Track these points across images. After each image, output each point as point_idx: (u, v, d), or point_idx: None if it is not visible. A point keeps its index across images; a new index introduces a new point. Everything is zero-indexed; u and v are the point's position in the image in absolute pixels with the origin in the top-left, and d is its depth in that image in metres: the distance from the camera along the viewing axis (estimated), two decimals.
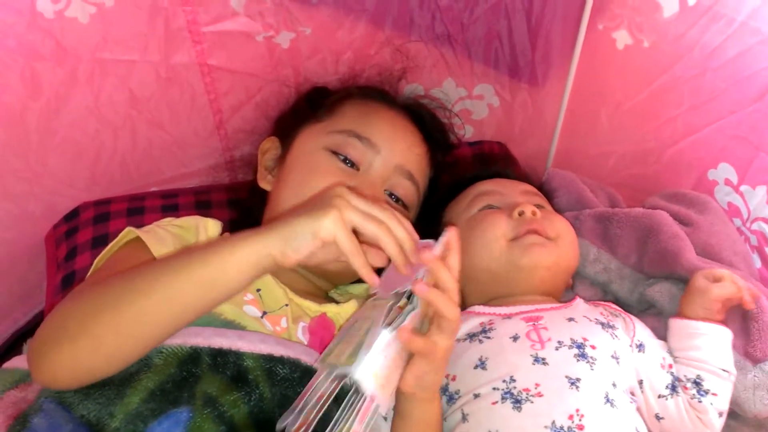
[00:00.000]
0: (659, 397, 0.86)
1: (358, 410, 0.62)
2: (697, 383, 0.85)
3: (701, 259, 0.98)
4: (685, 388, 0.85)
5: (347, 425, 0.62)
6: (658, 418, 0.86)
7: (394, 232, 0.65)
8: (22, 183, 1.08)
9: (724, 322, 0.88)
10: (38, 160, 1.07)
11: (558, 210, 1.11)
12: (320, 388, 0.65)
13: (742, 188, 1.07)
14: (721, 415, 0.85)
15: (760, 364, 0.89)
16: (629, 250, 1.04)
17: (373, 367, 0.61)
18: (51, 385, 0.68)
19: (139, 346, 0.67)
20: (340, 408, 0.63)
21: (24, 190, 1.09)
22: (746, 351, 0.90)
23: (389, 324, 0.64)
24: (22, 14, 0.93)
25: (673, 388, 0.86)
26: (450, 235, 0.68)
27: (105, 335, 0.65)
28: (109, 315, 0.65)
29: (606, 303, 0.95)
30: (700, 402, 0.84)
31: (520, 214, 0.92)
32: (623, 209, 1.09)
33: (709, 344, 0.86)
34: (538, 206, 0.95)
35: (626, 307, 1.04)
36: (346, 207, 0.64)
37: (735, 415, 0.95)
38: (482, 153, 1.31)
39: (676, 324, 0.90)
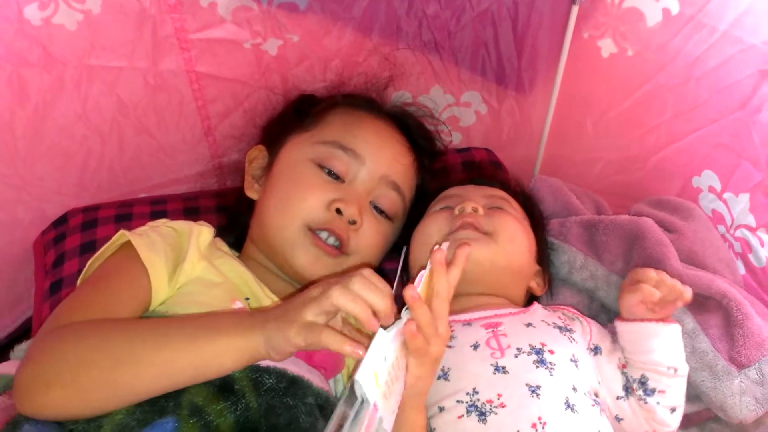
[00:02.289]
0: (617, 398, 0.85)
1: (363, 420, 0.59)
2: (642, 383, 0.84)
3: (685, 266, 0.99)
4: (633, 388, 0.85)
5: None
6: (618, 419, 0.86)
7: (361, 294, 0.64)
8: (11, 189, 1.08)
9: (666, 317, 0.85)
10: (26, 167, 1.07)
11: (545, 217, 1.13)
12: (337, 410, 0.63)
13: (726, 195, 1.08)
14: (673, 410, 0.84)
15: (744, 369, 0.90)
16: (615, 257, 1.04)
17: (374, 367, 0.60)
18: (33, 417, 0.68)
19: (127, 402, 0.68)
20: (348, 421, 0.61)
21: (12, 197, 1.09)
22: (731, 356, 0.91)
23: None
24: (9, 21, 0.93)
25: (627, 389, 0.86)
26: (433, 259, 0.69)
27: (96, 391, 0.67)
28: (104, 374, 0.66)
29: (564, 306, 0.95)
30: (646, 402, 0.84)
31: (460, 211, 0.92)
32: (609, 216, 1.09)
33: (655, 344, 0.83)
34: (496, 207, 0.94)
35: (612, 314, 1.04)
36: (306, 308, 0.64)
37: (718, 418, 0.96)
38: (471, 160, 1.31)
39: (618, 326, 0.87)
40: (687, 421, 0.96)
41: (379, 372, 0.61)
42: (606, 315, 1.05)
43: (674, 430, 0.85)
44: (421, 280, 0.68)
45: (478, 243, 0.87)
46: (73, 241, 1.12)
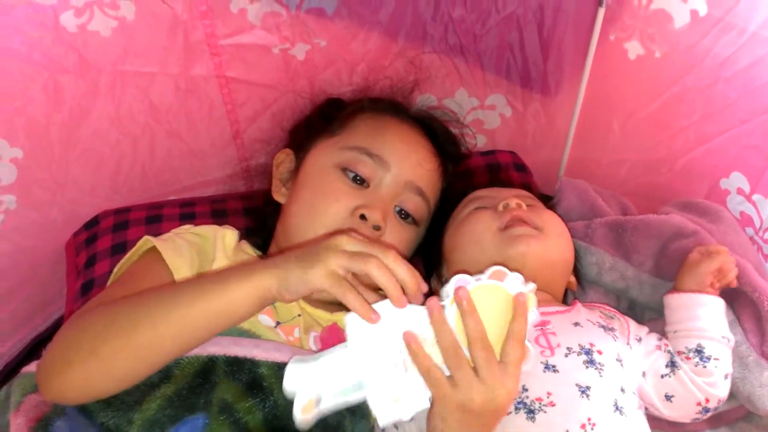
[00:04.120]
0: (662, 377, 0.86)
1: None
2: (698, 351, 0.86)
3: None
4: (688, 357, 0.86)
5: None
6: (668, 398, 0.86)
7: (394, 270, 0.65)
8: (45, 192, 1.10)
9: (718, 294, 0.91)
10: (61, 170, 1.09)
11: (570, 219, 1.12)
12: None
13: (755, 197, 1.07)
14: (726, 377, 0.86)
15: None
16: (644, 257, 1.04)
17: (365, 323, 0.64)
18: (58, 401, 0.70)
19: (148, 369, 0.69)
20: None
21: (47, 199, 1.11)
22: (762, 351, 0.92)
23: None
24: (46, 28, 0.95)
25: (673, 364, 0.87)
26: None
27: (116, 360, 0.67)
28: (121, 341, 0.67)
29: (600, 305, 0.95)
30: (705, 367, 0.85)
31: (505, 206, 0.92)
32: (637, 217, 1.09)
33: (707, 314, 0.88)
34: (528, 204, 0.95)
35: (647, 311, 1.05)
36: (334, 256, 0.65)
37: (748, 417, 0.96)
38: (495, 163, 1.31)
39: (673, 299, 0.92)
40: (717, 420, 0.96)
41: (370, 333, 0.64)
42: (632, 314, 1.05)
43: (723, 399, 0.87)
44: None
45: (533, 238, 0.88)
46: (105, 242, 1.13)
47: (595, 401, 0.77)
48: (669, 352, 0.88)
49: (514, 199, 0.93)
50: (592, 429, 0.74)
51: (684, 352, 0.87)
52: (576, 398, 0.77)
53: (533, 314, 0.67)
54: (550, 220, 0.93)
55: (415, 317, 0.65)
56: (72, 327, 0.72)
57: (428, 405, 0.66)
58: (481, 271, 0.66)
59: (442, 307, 0.64)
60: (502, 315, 0.65)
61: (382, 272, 0.63)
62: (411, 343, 0.64)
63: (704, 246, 0.95)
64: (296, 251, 0.69)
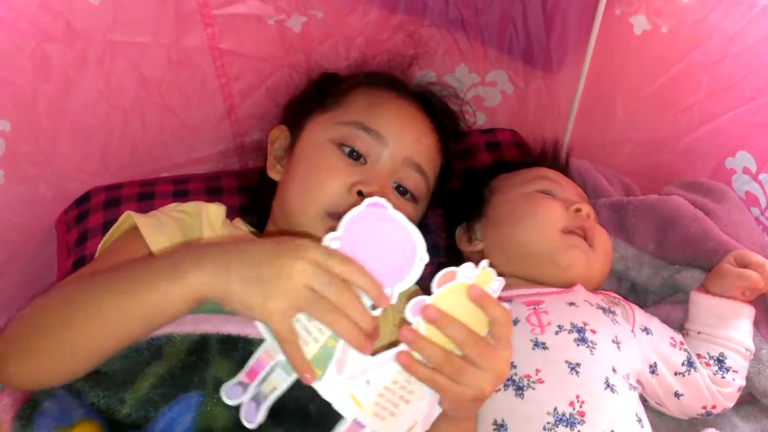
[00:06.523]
0: (676, 374, 0.86)
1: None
2: (720, 360, 0.86)
3: (730, 238, 0.98)
4: (708, 364, 0.86)
5: None
6: (677, 395, 0.86)
7: (351, 315, 0.61)
8: (33, 167, 1.07)
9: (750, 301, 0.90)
10: (49, 144, 1.07)
11: None
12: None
13: (761, 177, 1.05)
14: (739, 390, 0.87)
15: None
16: (647, 239, 1.03)
17: (351, 390, 0.62)
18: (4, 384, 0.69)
19: (90, 362, 0.66)
20: None
21: (35, 174, 1.08)
22: None
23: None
24: None
25: (690, 364, 0.86)
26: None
27: (53, 355, 0.65)
28: (55, 334, 0.65)
29: (606, 291, 0.95)
30: (723, 378, 0.85)
31: (577, 210, 0.93)
32: (637, 197, 1.08)
33: (737, 324, 0.87)
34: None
35: (647, 293, 1.04)
36: (292, 293, 0.61)
37: (753, 401, 0.94)
38: (494, 141, 1.29)
39: (702, 299, 0.91)
40: None
41: (357, 393, 0.62)
42: (635, 296, 1.04)
43: (728, 409, 0.88)
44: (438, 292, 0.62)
45: (584, 254, 0.90)
46: (96, 219, 1.11)
47: (584, 378, 0.77)
48: (686, 350, 0.87)
49: (587, 207, 0.94)
50: (580, 406, 0.74)
51: (704, 357, 0.87)
52: (565, 375, 0.77)
53: (495, 284, 0.64)
54: (602, 242, 0.94)
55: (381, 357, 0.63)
56: (16, 318, 0.70)
57: (440, 410, 0.65)
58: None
59: (414, 330, 0.62)
60: (469, 304, 0.63)
61: (344, 327, 0.61)
62: (409, 362, 0.62)
63: (740, 254, 0.92)
64: (248, 250, 0.63)
